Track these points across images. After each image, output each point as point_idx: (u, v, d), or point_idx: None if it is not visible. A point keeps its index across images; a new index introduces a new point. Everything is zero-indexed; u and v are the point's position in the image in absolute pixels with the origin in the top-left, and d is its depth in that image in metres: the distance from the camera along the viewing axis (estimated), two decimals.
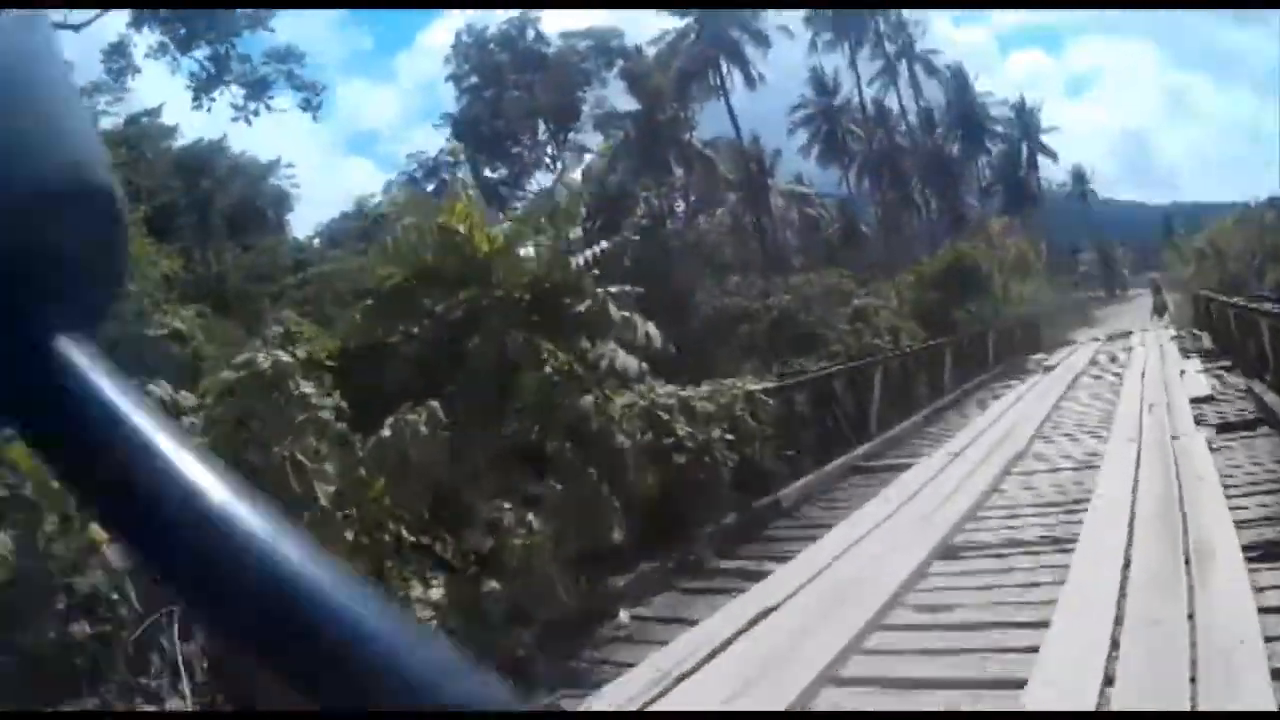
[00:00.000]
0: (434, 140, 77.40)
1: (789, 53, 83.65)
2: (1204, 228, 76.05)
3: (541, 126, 73.67)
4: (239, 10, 47.89)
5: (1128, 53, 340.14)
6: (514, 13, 74.41)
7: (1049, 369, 31.05)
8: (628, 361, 10.04)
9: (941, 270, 46.26)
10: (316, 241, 69.59)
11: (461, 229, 10.04)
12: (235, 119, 50.25)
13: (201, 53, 48.28)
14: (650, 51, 74.91)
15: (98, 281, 0.73)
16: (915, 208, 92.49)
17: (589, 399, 9.87)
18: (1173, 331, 38.71)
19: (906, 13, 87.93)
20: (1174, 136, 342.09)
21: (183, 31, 47.20)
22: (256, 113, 49.58)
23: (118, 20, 46.92)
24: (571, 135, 74.23)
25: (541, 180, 73.42)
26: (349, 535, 7.70)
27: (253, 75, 49.25)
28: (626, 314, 10.29)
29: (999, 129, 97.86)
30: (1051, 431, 17.85)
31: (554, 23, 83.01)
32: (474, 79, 74.09)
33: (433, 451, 8.15)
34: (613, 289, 10.58)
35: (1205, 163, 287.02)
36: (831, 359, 32.37)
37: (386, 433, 8.17)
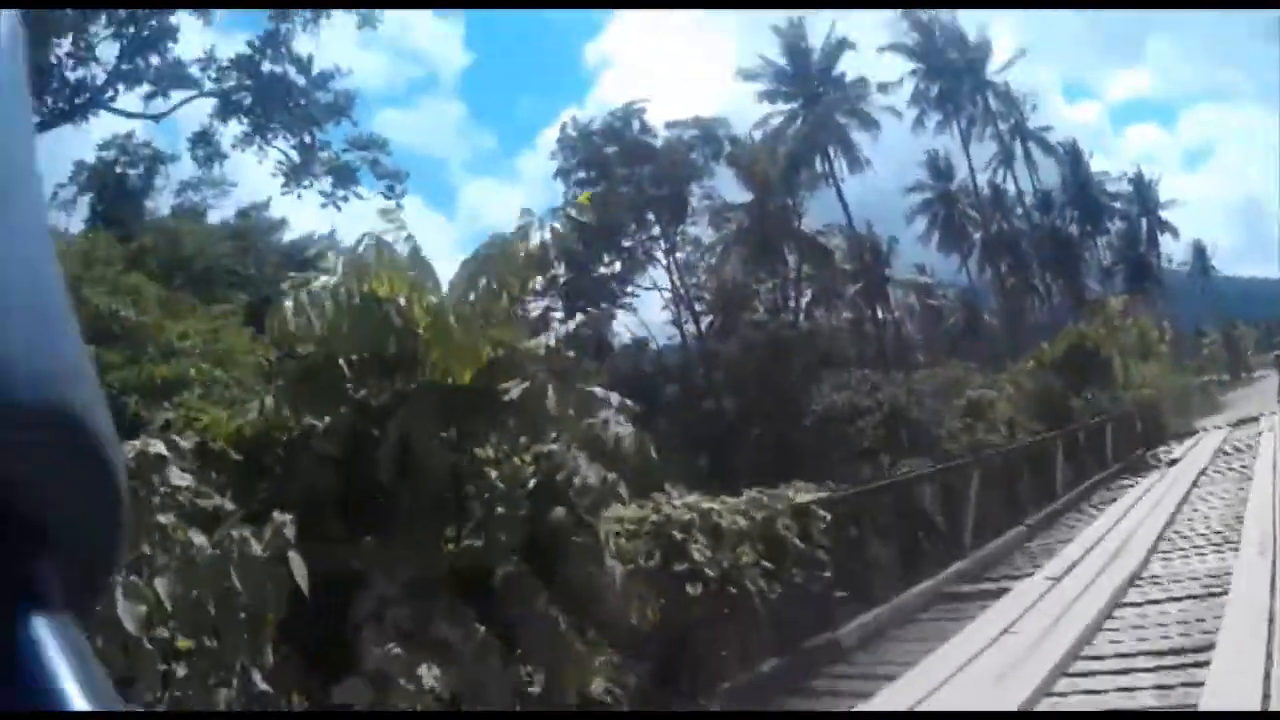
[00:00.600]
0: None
1: (893, 133, 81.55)
2: None
3: (652, 219, 71.87)
4: (320, 101, 47.97)
5: (1243, 120, 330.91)
6: (617, 105, 73.52)
7: (1172, 463, 28.12)
8: (590, 472, 7.67)
9: (1061, 355, 43.39)
10: None
11: (400, 297, 7.80)
12: (324, 205, 50.41)
13: (285, 142, 48.35)
14: (757, 137, 73.35)
15: (81, 551, 0.63)
16: (1036, 293, 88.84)
17: (560, 511, 7.66)
18: None
19: (1016, 88, 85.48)
20: None
21: (265, 120, 47.60)
22: (345, 199, 49.55)
23: (199, 110, 47.76)
24: (683, 228, 72.41)
25: (655, 276, 71.72)
26: (180, 671, 5.63)
27: (336, 163, 49.25)
28: (572, 412, 7.92)
29: (1117, 206, 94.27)
30: (1171, 546, 15.13)
31: (659, 113, 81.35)
32: (581, 173, 72.72)
33: (263, 577, 5.93)
34: (598, 390, 8.28)
35: None
36: (945, 457, 29.75)
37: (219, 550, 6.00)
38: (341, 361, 7.84)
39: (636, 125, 72.55)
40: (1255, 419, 37.70)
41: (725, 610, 9.33)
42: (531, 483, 7.66)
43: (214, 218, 54.14)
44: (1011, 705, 7.99)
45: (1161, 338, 55.09)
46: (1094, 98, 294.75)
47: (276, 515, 6.24)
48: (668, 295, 71.93)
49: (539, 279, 9.07)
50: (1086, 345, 42.68)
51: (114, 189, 50.86)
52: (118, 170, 51.72)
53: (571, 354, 8.57)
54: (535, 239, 8.52)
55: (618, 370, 68.89)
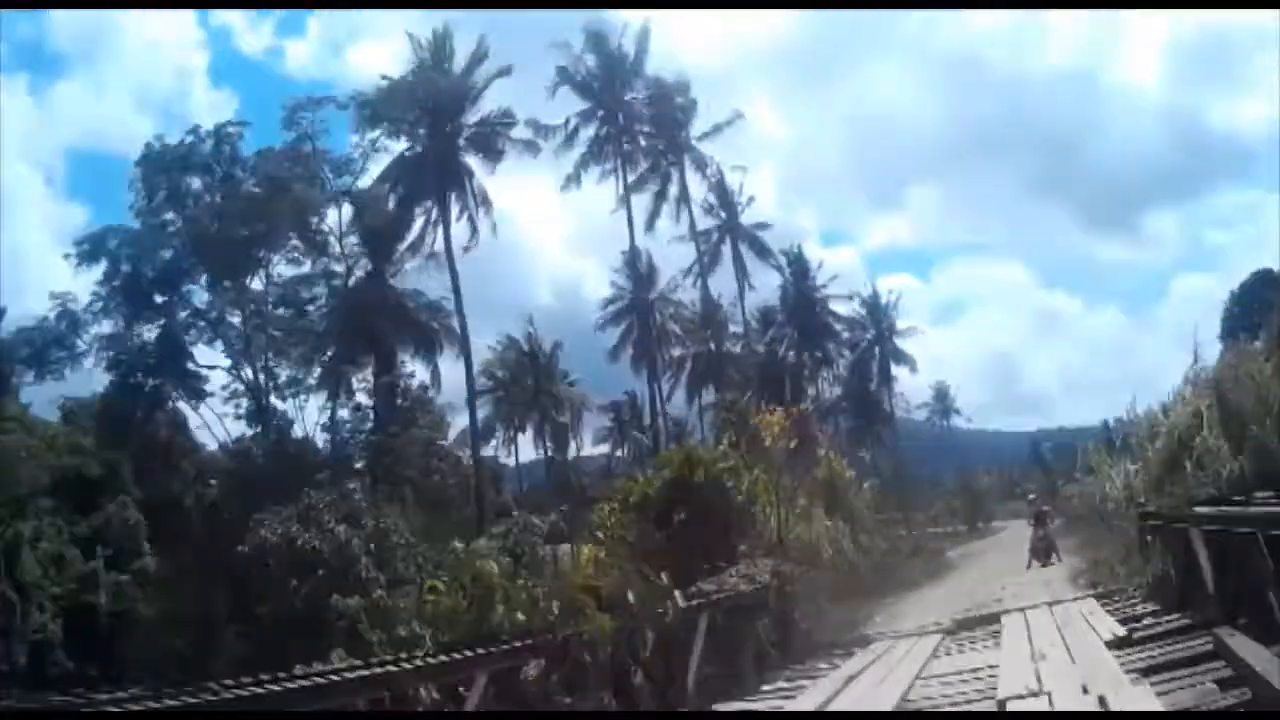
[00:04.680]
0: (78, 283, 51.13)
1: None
2: (1074, 451, 53.03)
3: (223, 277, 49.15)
4: None
5: (996, 275, 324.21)
6: (207, 127, 51.12)
7: None
8: None
9: (661, 491, 22.12)
10: None
11: None
12: None
13: None
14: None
15: None
16: None
17: None
18: (1090, 603, 14.85)
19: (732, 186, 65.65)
20: (1043, 360, 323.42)
21: None
22: None
23: None
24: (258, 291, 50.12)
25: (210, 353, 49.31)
26: None
27: None
28: None
29: (843, 332, 74.33)
30: None
31: (257, 139, 55.51)
32: (166, 213, 49.80)
33: None
34: None
35: (1074, 386, 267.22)
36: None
37: None
38: None
39: (228, 150, 50.32)
40: (995, 617, 16.84)
41: None
42: None
43: None
44: None
45: (853, 481, 34.54)
46: (851, 243, 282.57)
47: None
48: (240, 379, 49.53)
49: None
50: (694, 478, 21.46)
51: None
52: None
53: None
54: None
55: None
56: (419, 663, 7.88)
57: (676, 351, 66.85)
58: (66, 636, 36.91)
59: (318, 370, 48.85)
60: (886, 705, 10.26)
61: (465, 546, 23.91)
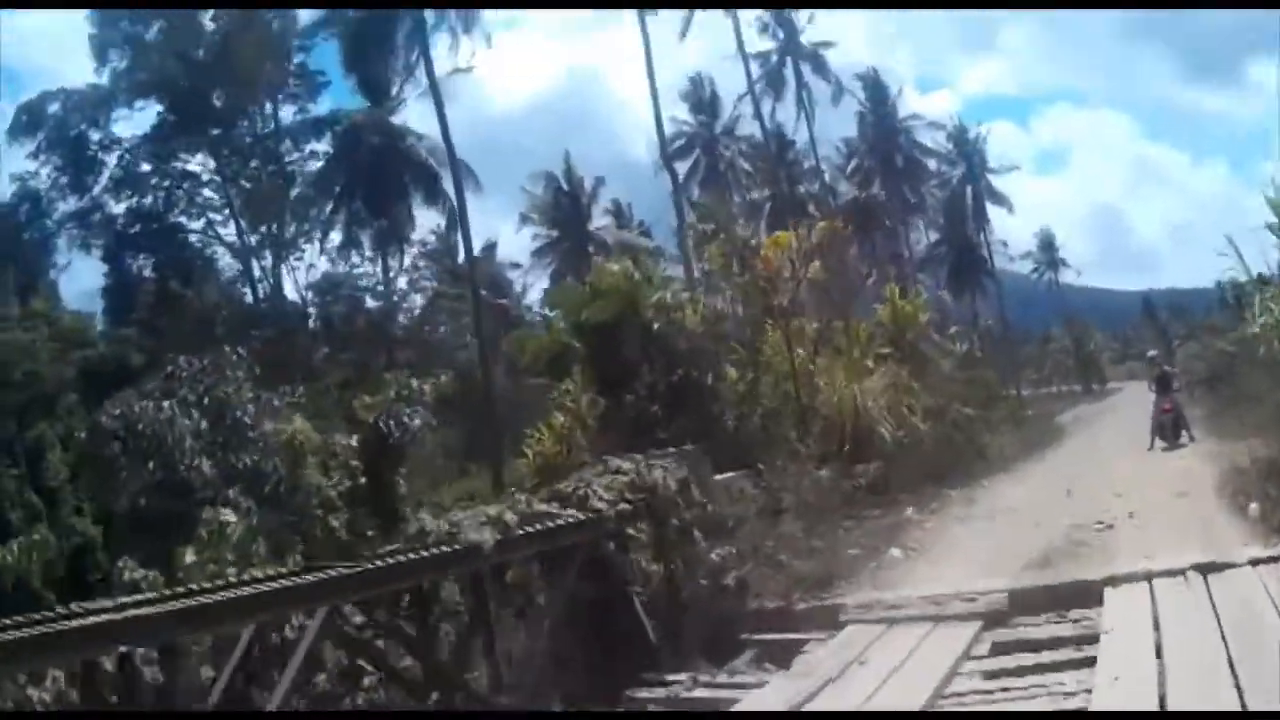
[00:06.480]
0: None
1: None
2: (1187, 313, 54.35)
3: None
4: None
5: (1098, 125, 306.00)
6: None
7: None
8: None
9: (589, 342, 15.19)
10: None
11: None
12: None
13: None
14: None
15: None
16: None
17: None
18: None
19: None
20: (1150, 216, 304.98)
21: None
22: None
23: None
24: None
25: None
26: None
27: None
28: None
29: (933, 165, 64.29)
30: None
31: None
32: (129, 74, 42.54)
33: None
34: None
35: (1183, 243, 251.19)
36: None
37: None
38: None
39: None
40: (1094, 588, 8.73)
41: None
42: None
43: None
44: None
45: (927, 326, 25.49)
46: (949, 87, 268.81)
47: None
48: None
49: None
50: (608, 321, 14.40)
51: None
52: None
53: None
54: None
55: None
56: None
57: (753, 195, 57.72)
58: (105, 538, 31.17)
59: (311, 227, 42.12)
60: None
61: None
